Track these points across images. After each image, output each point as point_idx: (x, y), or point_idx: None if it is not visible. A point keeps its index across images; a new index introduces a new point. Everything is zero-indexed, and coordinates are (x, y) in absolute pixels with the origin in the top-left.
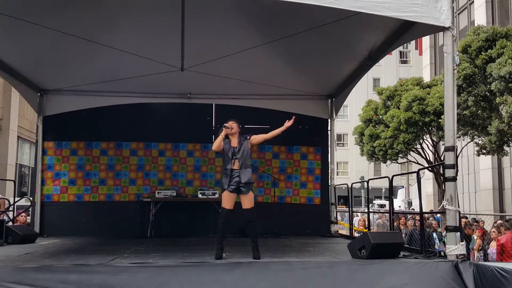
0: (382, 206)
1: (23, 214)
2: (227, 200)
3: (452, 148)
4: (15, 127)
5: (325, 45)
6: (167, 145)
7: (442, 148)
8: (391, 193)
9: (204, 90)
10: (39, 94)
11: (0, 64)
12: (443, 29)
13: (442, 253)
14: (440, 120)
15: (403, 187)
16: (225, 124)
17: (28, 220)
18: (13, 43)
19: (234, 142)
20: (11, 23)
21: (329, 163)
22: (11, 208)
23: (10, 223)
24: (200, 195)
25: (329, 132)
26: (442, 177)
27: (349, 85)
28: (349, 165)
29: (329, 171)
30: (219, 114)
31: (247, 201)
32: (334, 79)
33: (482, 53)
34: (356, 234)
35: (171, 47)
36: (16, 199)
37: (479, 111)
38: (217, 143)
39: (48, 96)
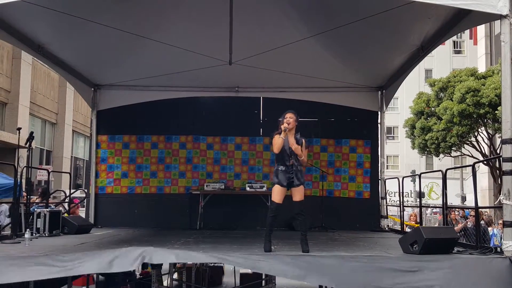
0: None
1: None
2: (277, 194)
3: (510, 141)
4: (70, 121)
5: (375, 36)
6: (215, 139)
7: (498, 141)
8: (445, 187)
9: (252, 83)
10: (92, 89)
11: (56, 61)
12: (500, 17)
13: (499, 249)
14: (496, 112)
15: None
16: (282, 126)
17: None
18: (67, 40)
19: (291, 140)
20: (65, 21)
21: (379, 156)
22: (67, 200)
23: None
24: (248, 188)
25: (379, 124)
26: (498, 171)
27: (400, 76)
28: (400, 158)
29: (379, 164)
30: (266, 107)
31: (298, 194)
32: (385, 71)
33: None
34: (407, 229)
35: (219, 41)
36: (72, 191)
37: None
38: (279, 146)
39: (101, 91)
